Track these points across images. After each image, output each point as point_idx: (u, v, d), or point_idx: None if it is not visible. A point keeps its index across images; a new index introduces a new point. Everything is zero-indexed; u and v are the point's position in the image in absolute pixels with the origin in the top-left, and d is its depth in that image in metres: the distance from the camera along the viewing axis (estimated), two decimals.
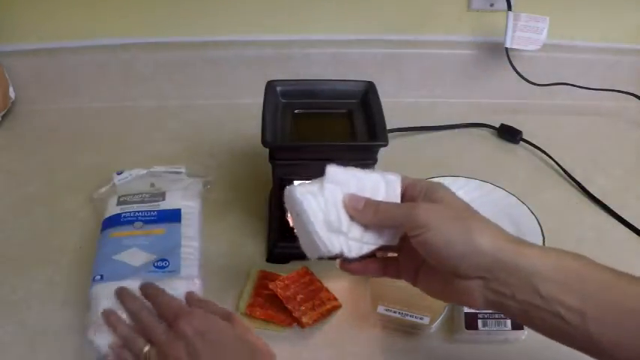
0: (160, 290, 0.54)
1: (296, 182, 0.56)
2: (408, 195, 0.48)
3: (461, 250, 0.42)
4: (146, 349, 0.49)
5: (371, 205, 0.46)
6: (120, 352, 0.51)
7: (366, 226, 0.47)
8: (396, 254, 0.51)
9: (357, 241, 0.47)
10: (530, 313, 0.41)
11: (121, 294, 0.55)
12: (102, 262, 0.62)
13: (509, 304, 0.42)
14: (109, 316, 0.53)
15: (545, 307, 0.40)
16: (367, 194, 0.48)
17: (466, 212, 0.45)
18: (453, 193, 0.46)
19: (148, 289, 0.55)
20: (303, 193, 0.46)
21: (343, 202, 0.47)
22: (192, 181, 0.76)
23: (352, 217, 0.47)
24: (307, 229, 0.46)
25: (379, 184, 0.48)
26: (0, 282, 0.65)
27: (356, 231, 0.47)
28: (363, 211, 0.46)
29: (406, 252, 0.49)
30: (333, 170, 0.48)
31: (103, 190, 0.75)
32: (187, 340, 0.47)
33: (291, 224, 0.50)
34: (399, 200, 0.48)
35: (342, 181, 0.48)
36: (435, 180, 0.52)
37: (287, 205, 0.48)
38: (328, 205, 0.46)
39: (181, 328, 0.48)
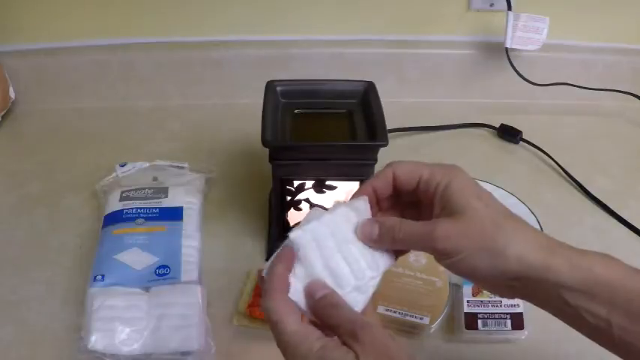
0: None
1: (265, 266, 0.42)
2: (421, 190, 0.43)
3: (486, 273, 0.41)
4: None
5: (388, 231, 0.42)
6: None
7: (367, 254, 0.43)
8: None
9: (370, 282, 0.43)
10: (560, 316, 0.42)
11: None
12: (103, 262, 0.62)
13: (541, 306, 0.42)
14: None
15: (573, 314, 0.40)
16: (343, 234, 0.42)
17: (492, 226, 0.40)
18: (476, 193, 0.42)
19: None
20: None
21: (357, 234, 0.42)
22: (196, 176, 0.77)
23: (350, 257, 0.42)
24: None
25: (349, 216, 0.43)
26: (0, 282, 0.65)
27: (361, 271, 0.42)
28: (380, 239, 0.43)
29: None
30: (300, 240, 0.41)
31: (106, 181, 0.75)
32: None
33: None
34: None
35: (321, 235, 0.41)
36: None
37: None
38: (326, 269, 0.41)
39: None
